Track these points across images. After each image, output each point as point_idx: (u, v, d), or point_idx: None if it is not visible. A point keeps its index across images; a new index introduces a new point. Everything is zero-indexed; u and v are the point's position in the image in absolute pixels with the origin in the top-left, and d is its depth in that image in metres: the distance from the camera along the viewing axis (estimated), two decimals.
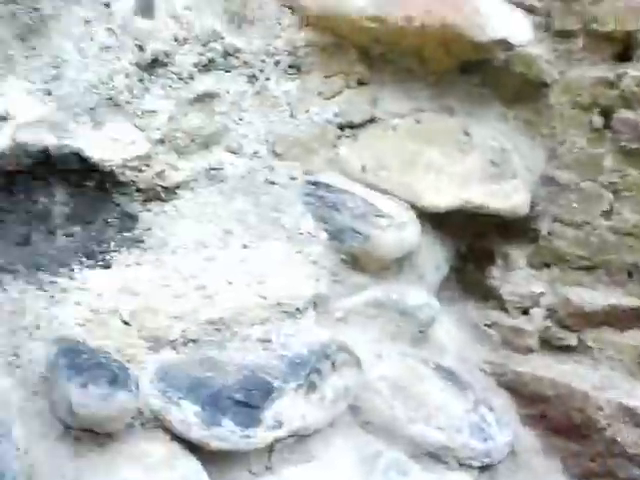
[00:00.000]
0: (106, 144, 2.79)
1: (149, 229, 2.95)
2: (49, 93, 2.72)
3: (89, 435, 2.30)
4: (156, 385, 2.38)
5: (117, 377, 2.18)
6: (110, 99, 2.81)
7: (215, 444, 2.34)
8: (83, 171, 2.83)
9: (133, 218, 2.97)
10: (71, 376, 2.17)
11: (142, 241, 2.90)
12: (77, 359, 2.23)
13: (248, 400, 2.38)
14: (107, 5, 2.83)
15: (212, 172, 3.13)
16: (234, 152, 3.20)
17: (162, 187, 3.01)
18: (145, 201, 3.01)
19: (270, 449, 2.58)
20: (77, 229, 2.91)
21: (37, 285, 2.65)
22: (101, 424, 2.24)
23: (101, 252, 2.84)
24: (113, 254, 2.84)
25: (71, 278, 2.70)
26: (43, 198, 2.86)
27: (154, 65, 2.93)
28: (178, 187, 3.06)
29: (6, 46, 2.68)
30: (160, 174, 2.97)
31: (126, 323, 2.53)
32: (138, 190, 2.96)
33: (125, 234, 2.92)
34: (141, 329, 2.52)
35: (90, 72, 2.78)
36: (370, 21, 2.96)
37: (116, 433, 2.32)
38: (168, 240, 2.90)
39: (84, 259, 2.81)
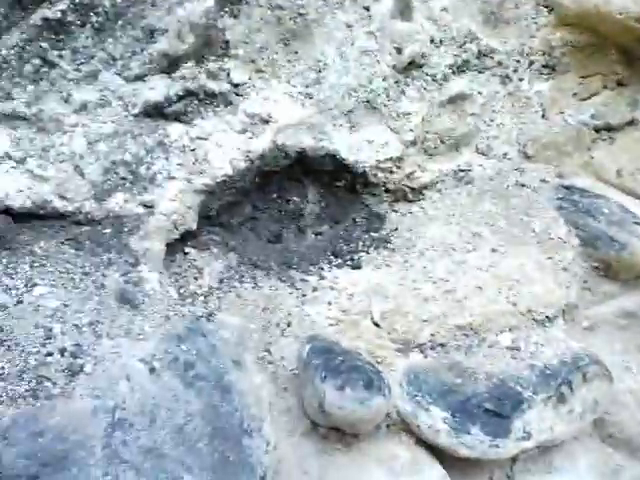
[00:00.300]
0: (361, 146, 2.85)
1: (396, 229, 2.98)
2: (310, 97, 2.81)
3: (336, 434, 2.35)
4: (405, 389, 2.40)
5: (372, 381, 2.21)
6: (367, 102, 2.86)
7: (463, 452, 2.33)
8: (335, 172, 2.91)
9: (381, 218, 3.02)
10: (326, 377, 2.22)
11: (389, 242, 2.93)
12: (332, 360, 2.28)
13: (498, 409, 2.35)
14: (367, 9, 2.88)
15: (460, 174, 3.13)
16: (483, 154, 3.17)
17: (410, 188, 3.03)
18: (393, 202, 3.05)
19: (514, 459, 2.54)
20: (326, 228, 2.99)
21: (288, 282, 2.75)
22: (353, 425, 2.28)
23: (349, 252, 2.90)
24: (361, 254, 2.89)
25: (321, 277, 2.78)
26: (296, 197, 2.97)
27: (410, 67, 2.96)
28: (425, 188, 3.08)
29: (270, 50, 2.79)
30: (410, 175, 2.99)
31: (377, 325, 2.57)
32: (387, 191, 3.00)
33: (373, 234, 2.97)
34: (391, 331, 2.55)
35: (350, 76, 2.85)
36: (635, 21, 2.83)
37: (362, 433, 2.36)
38: (415, 241, 2.91)
39: (333, 258, 2.89)
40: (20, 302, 2.27)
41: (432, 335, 2.56)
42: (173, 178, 2.60)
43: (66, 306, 2.29)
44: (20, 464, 1.90)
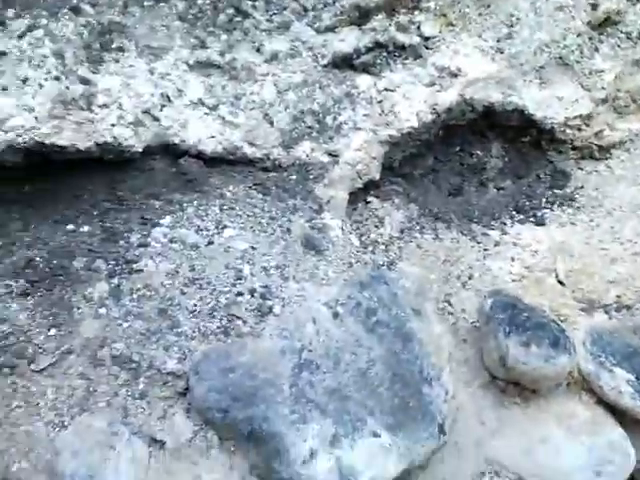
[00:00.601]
0: (550, 102, 2.78)
1: (581, 188, 2.90)
2: (500, 51, 2.75)
3: (514, 388, 2.32)
4: (588, 349, 2.34)
5: (558, 340, 2.17)
6: (560, 58, 2.78)
7: None
8: (522, 127, 2.85)
9: (566, 176, 2.94)
10: (510, 332, 2.20)
11: (574, 200, 2.86)
12: (517, 316, 2.24)
13: None
14: None
15: None
16: None
17: (598, 146, 2.94)
18: (578, 159, 2.96)
19: None
20: (508, 183, 2.94)
21: (470, 236, 2.73)
22: (536, 382, 2.24)
23: (532, 208, 2.85)
24: (545, 211, 2.83)
25: (503, 232, 2.75)
26: (479, 151, 2.93)
27: (605, 24, 2.85)
28: (613, 147, 2.97)
29: (462, 4, 2.76)
30: (598, 134, 2.90)
31: (561, 283, 2.52)
32: (573, 148, 2.92)
33: (556, 191, 2.90)
34: (575, 290, 2.50)
35: (543, 31, 2.78)
36: None
37: (541, 390, 2.33)
38: (602, 201, 2.83)
39: (515, 213, 2.84)
40: (211, 243, 2.36)
41: (618, 297, 2.49)
42: (359, 129, 2.62)
43: (254, 249, 2.36)
44: (211, 397, 1.99)
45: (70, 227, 2.39)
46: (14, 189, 2.43)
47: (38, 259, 2.29)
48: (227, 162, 2.54)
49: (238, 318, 2.15)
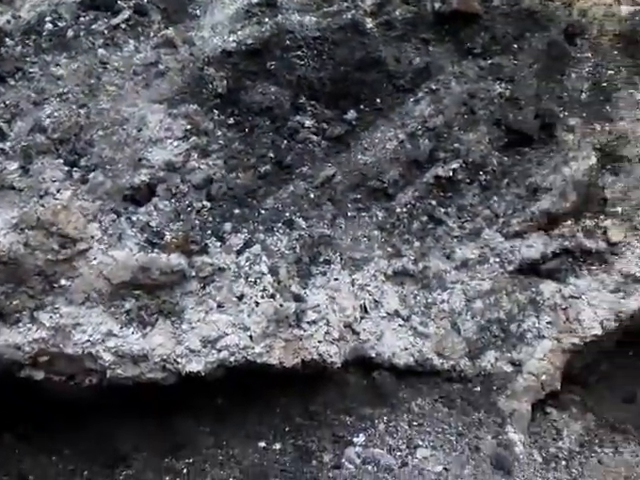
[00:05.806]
0: None
1: None
2: None
3: None
4: None
5: None
6: None
7: None
8: None
9: None
10: None
11: None
12: None
13: None
14: None
15: None
16: None
17: None
18: None
19: None
20: None
21: None
22: None
23: None
24: None
25: None
26: None
27: None
28: None
29: None
30: None
31: None
32: None
33: None
34: None
35: None
36: None
37: None
38: None
39: None
40: (405, 465, 2.38)
41: None
42: (543, 337, 2.61)
43: (447, 470, 2.36)
44: None
45: (262, 444, 2.47)
46: (206, 401, 2.52)
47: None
48: (416, 374, 2.58)
49: None
